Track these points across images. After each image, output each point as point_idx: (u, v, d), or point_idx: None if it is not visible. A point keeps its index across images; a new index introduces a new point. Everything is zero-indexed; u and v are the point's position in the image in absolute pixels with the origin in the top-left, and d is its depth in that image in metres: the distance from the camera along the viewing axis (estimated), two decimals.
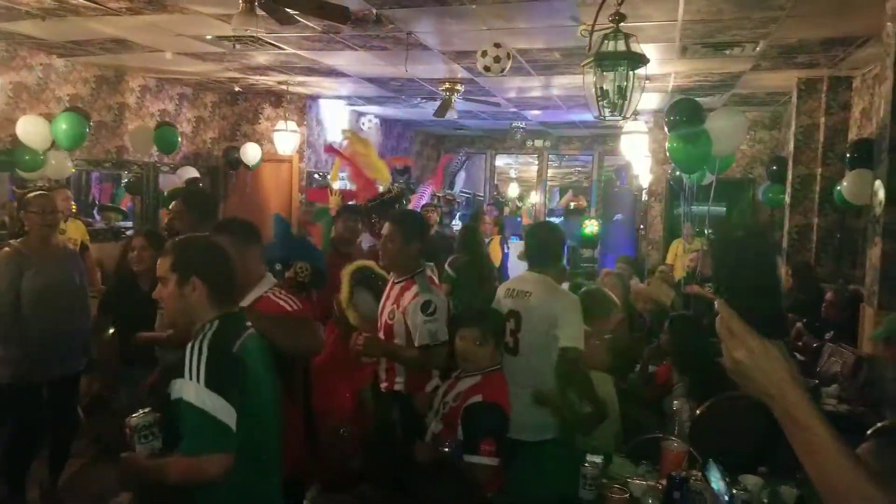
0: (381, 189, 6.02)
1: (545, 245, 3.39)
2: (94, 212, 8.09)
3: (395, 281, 3.37)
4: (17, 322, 3.64)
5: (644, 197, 10.73)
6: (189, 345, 1.96)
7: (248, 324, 2.15)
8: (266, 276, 2.78)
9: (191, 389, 1.90)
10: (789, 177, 7.09)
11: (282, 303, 2.68)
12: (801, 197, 6.95)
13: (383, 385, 3.33)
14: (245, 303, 2.53)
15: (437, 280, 3.76)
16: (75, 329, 3.86)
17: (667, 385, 3.77)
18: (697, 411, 3.10)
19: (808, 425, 0.95)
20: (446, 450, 2.69)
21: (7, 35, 5.78)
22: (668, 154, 5.59)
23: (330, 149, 7.26)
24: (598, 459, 2.49)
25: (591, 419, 3.00)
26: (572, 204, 14.88)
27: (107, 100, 7.41)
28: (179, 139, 7.70)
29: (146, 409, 2.05)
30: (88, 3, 4.72)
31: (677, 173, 7.49)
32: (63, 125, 5.94)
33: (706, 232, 6.37)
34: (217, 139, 9.20)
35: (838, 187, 5.67)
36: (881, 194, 4.01)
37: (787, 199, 7.14)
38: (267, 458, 2.14)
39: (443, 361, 3.20)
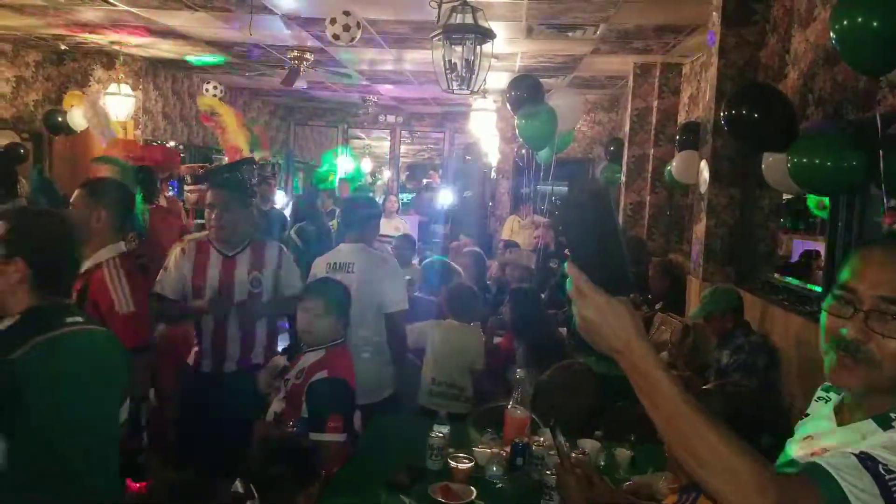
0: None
1: (364, 217, 3.56)
2: None
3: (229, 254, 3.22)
4: None
5: (493, 175, 11.06)
6: None
7: (72, 319, 1.79)
8: (111, 245, 2.65)
9: None
10: (625, 157, 7.58)
11: (112, 293, 2.56)
12: (635, 176, 7.45)
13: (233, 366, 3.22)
14: (84, 266, 2.45)
15: None
16: None
17: (509, 355, 3.93)
18: (538, 380, 3.25)
19: (654, 377, 1.00)
20: (292, 429, 2.63)
21: None
22: (516, 132, 5.78)
23: (204, 117, 6.85)
24: (444, 429, 2.53)
25: None
26: (425, 180, 15.05)
27: None
28: None
29: None
30: None
31: (523, 151, 7.80)
32: None
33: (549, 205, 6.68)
34: (41, 101, 8.34)
35: (668, 167, 6.09)
36: (706, 174, 4.38)
37: (623, 177, 7.63)
38: (74, 482, 1.77)
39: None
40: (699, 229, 4.51)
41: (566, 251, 1.09)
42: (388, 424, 3.02)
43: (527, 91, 5.26)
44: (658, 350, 4.43)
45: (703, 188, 4.42)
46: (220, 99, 9.49)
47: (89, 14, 6.08)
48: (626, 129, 7.58)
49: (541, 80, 5.78)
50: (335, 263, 3.44)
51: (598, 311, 1.02)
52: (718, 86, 4.28)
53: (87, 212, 2.66)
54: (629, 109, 7.52)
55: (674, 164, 5.84)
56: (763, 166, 3.49)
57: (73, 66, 8.48)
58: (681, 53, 6.72)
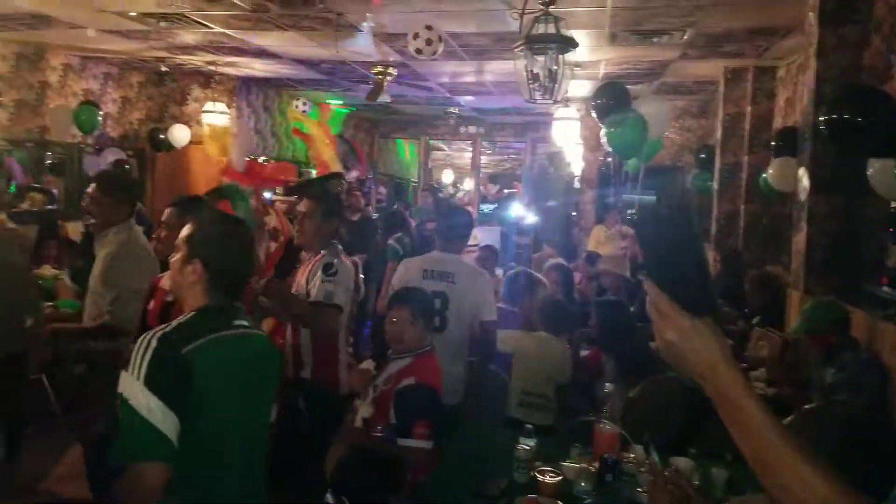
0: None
1: (456, 227, 3.72)
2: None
3: (307, 260, 3.31)
4: None
5: (576, 184, 10.90)
6: (143, 335, 1.75)
7: (238, 322, 1.90)
8: None
9: (130, 386, 1.67)
10: (717, 164, 7.31)
11: None
12: (728, 184, 7.17)
13: (289, 373, 3.22)
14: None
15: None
16: (12, 310, 3.64)
17: (597, 368, 3.85)
18: (629, 394, 3.16)
19: (742, 406, 0.92)
20: (381, 434, 2.65)
21: None
22: (602, 140, 5.68)
23: (297, 132, 7.10)
24: (531, 442, 2.50)
25: None
26: (507, 190, 15.00)
27: (27, 78, 7.04)
28: (100, 119, 7.38)
29: None
30: None
31: (609, 160, 7.66)
32: None
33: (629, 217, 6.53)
34: (144, 120, 8.86)
35: (764, 175, 5.85)
36: (805, 181, 4.17)
37: (715, 185, 7.36)
38: (221, 478, 1.86)
39: (333, 327, 3.13)
40: (799, 239, 4.29)
41: (645, 268, 1.02)
42: (474, 434, 3.02)
43: (613, 98, 5.17)
44: (755, 366, 4.26)
45: (803, 196, 4.21)
46: (307, 114, 9.86)
47: (187, 37, 6.42)
48: (718, 135, 7.31)
49: (627, 86, 5.67)
50: (433, 271, 3.52)
51: (681, 334, 0.95)
52: (817, 89, 4.07)
53: (178, 228, 2.77)
54: (721, 115, 7.25)
55: (770, 171, 5.60)
56: (868, 172, 3.29)
57: (172, 86, 8.97)
58: (775, 56, 6.43)
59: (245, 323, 1.93)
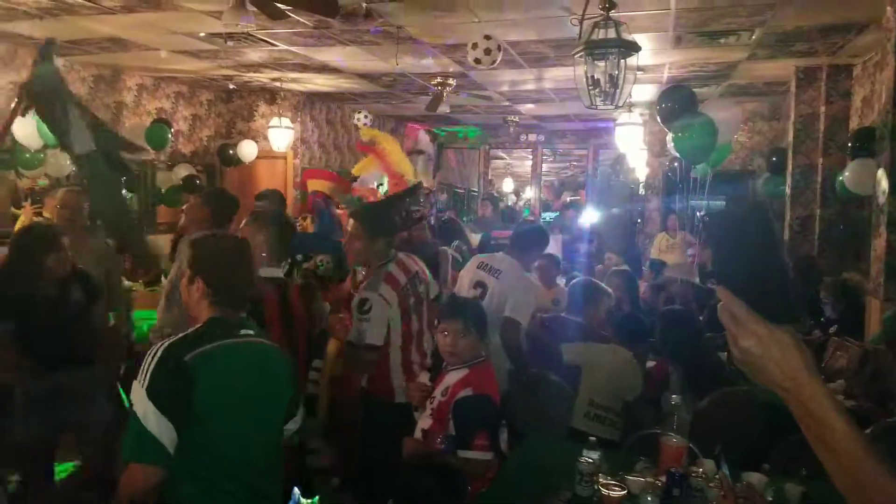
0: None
1: (523, 235, 4.06)
2: None
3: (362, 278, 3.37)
4: None
5: (641, 191, 10.67)
6: (153, 345, 1.90)
7: (244, 332, 2.04)
8: (268, 269, 2.81)
9: (136, 393, 1.83)
10: (789, 167, 7.03)
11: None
12: (802, 188, 6.88)
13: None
14: None
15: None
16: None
17: (663, 380, 3.74)
18: (697, 406, 3.06)
19: (827, 420, 0.87)
20: (441, 445, 2.65)
21: (7, 36, 5.80)
22: (668, 145, 5.54)
23: (361, 146, 7.19)
24: (595, 455, 2.44)
25: None
26: (569, 198, 14.81)
27: (104, 98, 7.39)
28: (170, 136, 7.66)
29: None
30: (84, 2, 4.72)
31: (675, 165, 7.46)
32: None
33: (699, 220, 6.34)
34: (213, 136, 9.16)
35: (840, 177, 5.61)
36: (884, 184, 3.96)
37: (788, 190, 7.08)
38: (235, 484, 1.97)
39: (366, 368, 3.15)
40: (878, 245, 4.07)
41: (717, 272, 0.94)
42: (536, 446, 2.97)
43: (679, 102, 5.04)
44: (833, 378, 4.06)
45: (882, 199, 3.99)
46: (369, 126, 10.00)
47: (253, 55, 6.62)
48: (790, 137, 7.03)
49: (694, 89, 5.53)
50: (487, 265, 3.86)
51: (760, 343, 0.89)
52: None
53: (250, 237, 2.85)
54: (793, 117, 6.97)
55: (846, 173, 5.36)
56: None
57: (239, 102, 9.26)
58: (850, 54, 6.15)
59: (251, 332, 2.06)
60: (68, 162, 6.32)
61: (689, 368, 3.48)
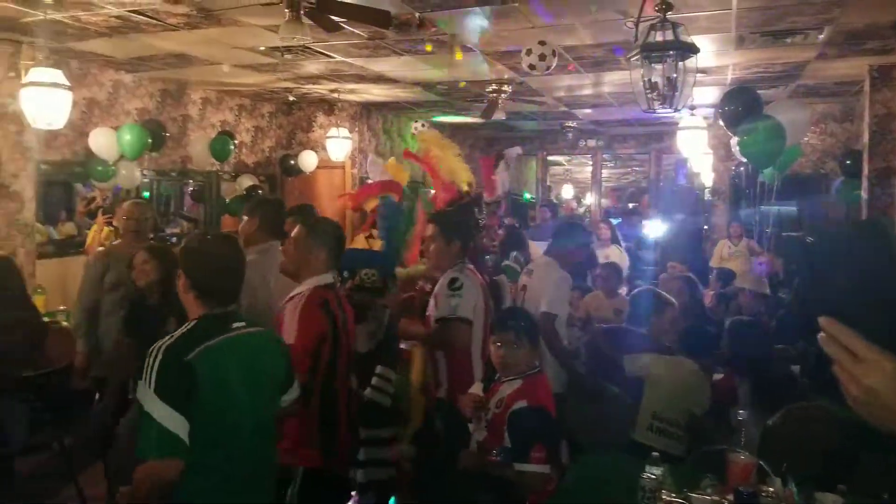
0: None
1: (557, 231, 4.19)
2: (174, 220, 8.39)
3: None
4: (96, 317, 3.89)
5: (707, 196, 10.36)
6: (153, 345, 2.01)
7: (236, 325, 2.15)
8: (320, 276, 2.82)
9: (145, 394, 1.95)
10: (865, 171, 6.68)
11: (286, 322, 2.71)
12: (879, 192, 6.53)
13: (431, 395, 3.34)
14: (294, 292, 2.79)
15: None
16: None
17: (730, 394, 3.61)
18: (767, 422, 2.93)
19: None
20: (497, 458, 2.62)
21: (79, 54, 6.05)
22: (734, 149, 5.36)
23: (408, 153, 7.21)
24: (658, 471, 2.36)
25: None
26: (631, 205, 14.50)
27: (171, 112, 7.64)
28: (233, 148, 7.87)
29: None
30: (149, 20, 4.88)
31: (741, 169, 7.20)
32: (127, 136, 6.23)
33: (769, 231, 6.10)
34: (275, 147, 9.38)
35: None
36: None
37: (864, 194, 6.73)
38: (235, 468, 2.10)
39: (461, 341, 3.19)
40: None
41: (814, 300, 0.83)
42: (596, 459, 2.90)
43: (743, 105, 4.86)
44: None
45: None
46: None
47: (311, 67, 6.73)
48: (865, 139, 6.69)
49: (758, 91, 5.32)
50: (530, 268, 4.05)
51: (888, 381, 0.78)
52: None
53: (304, 246, 2.87)
54: (867, 118, 6.62)
55: None
56: None
57: (299, 114, 9.44)
58: None
59: (243, 324, 2.18)
60: (137, 174, 6.63)
61: (759, 382, 3.35)
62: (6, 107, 5.53)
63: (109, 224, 6.09)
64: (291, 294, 2.81)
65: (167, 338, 2.04)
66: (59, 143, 6.24)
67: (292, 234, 2.95)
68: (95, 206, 7.46)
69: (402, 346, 3.68)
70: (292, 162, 8.81)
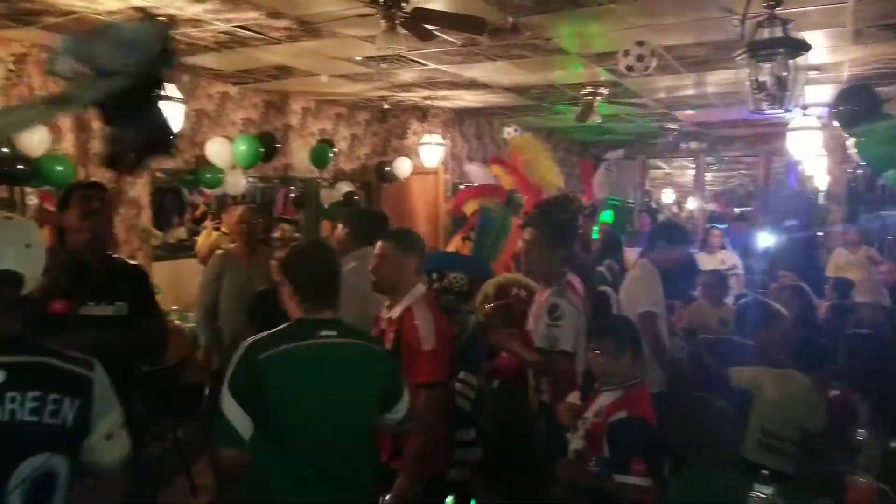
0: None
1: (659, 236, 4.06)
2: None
3: (539, 293, 3.33)
4: (215, 315, 4.15)
5: (821, 201, 9.74)
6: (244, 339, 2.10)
7: (326, 333, 2.16)
8: (416, 286, 2.86)
9: (224, 381, 2.04)
10: None
11: (417, 322, 2.74)
12: None
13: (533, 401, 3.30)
14: (397, 311, 2.80)
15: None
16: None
17: (848, 412, 3.37)
18: (891, 444, 2.72)
19: None
20: (595, 468, 2.57)
21: (190, 68, 6.42)
22: (851, 150, 5.00)
23: (495, 160, 7.20)
24: (767, 490, 2.22)
25: None
26: (738, 210, 13.85)
27: (274, 122, 7.95)
28: (331, 155, 8.09)
29: None
30: (254, 34, 5.11)
31: (859, 172, 6.74)
32: (242, 146, 6.64)
33: (891, 238, 5.67)
34: (370, 154, 9.58)
35: None
36: None
37: None
38: (308, 473, 2.10)
39: (562, 375, 3.11)
40: None
41: None
42: (701, 475, 2.77)
43: (861, 103, 4.53)
44: None
45: None
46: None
47: (405, 75, 6.84)
48: None
49: (877, 88, 4.95)
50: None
51: None
52: None
53: (396, 258, 2.88)
54: None
55: None
56: None
57: (394, 121, 9.60)
58: None
59: (334, 333, 2.17)
60: (243, 181, 6.97)
61: (881, 400, 3.10)
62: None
63: (217, 229, 6.42)
64: (405, 305, 2.82)
65: (259, 334, 2.11)
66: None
67: (376, 251, 2.92)
68: (200, 213, 7.92)
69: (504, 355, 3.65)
70: (388, 168, 8.98)
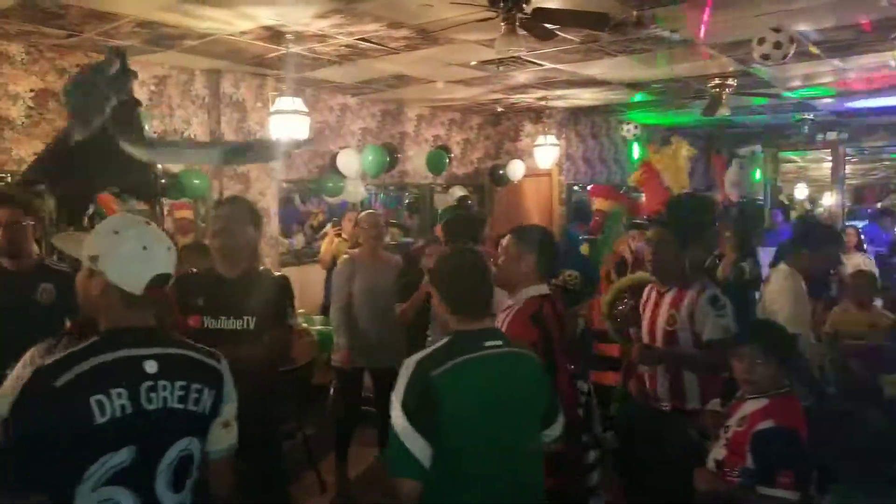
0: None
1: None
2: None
3: (662, 290, 3.18)
4: (350, 316, 4.31)
5: None
6: (408, 357, 1.97)
7: (490, 343, 2.03)
8: (529, 287, 2.77)
9: (394, 407, 1.89)
10: None
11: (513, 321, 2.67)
12: None
13: (667, 405, 3.20)
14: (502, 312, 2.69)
15: None
16: (390, 325, 4.27)
17: None
18: None
19: None
20: (737, 479, 2.44)
21: (313, 82, 6.70)
22: None
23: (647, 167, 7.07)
24: None
25: None
26: (880, 205, 12.74)
27: (390, 130, 8.16)
28: (447, 161, 8.17)
29: None
30: (374, 45, 5.24)
31: None
32: (370, 156, 6.93)
33: None
34: (482, 158, 9.59)
35: None
36: None
37: None
38: (481, 491, 1.94)
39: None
40: None
41: None
42: (853, 492, 2.55)
43: None
44: None
45: None
46: (637, 137, 9.66)
47: (521, 77, 6.78)
48: None
49: None
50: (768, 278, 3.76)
51: None
52: None
53: (514, 253, 2.81)
54: None
55: None
56: None
57: (506, 124, 9.57)
58: None
59: (499, 342, 2.05)
60: (362, 189, 7.20)
61: None
62: (255, 133, 6.25)
63: (339, 235, 6.63)
64: (504, 306, 2.77)
65: (424, 350, 2.01)
66: (296, 163, 6.95)
67: (502, 245, 2.88)
68: (318, 222, 8.24)
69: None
70: (501, 172, 8.96)
